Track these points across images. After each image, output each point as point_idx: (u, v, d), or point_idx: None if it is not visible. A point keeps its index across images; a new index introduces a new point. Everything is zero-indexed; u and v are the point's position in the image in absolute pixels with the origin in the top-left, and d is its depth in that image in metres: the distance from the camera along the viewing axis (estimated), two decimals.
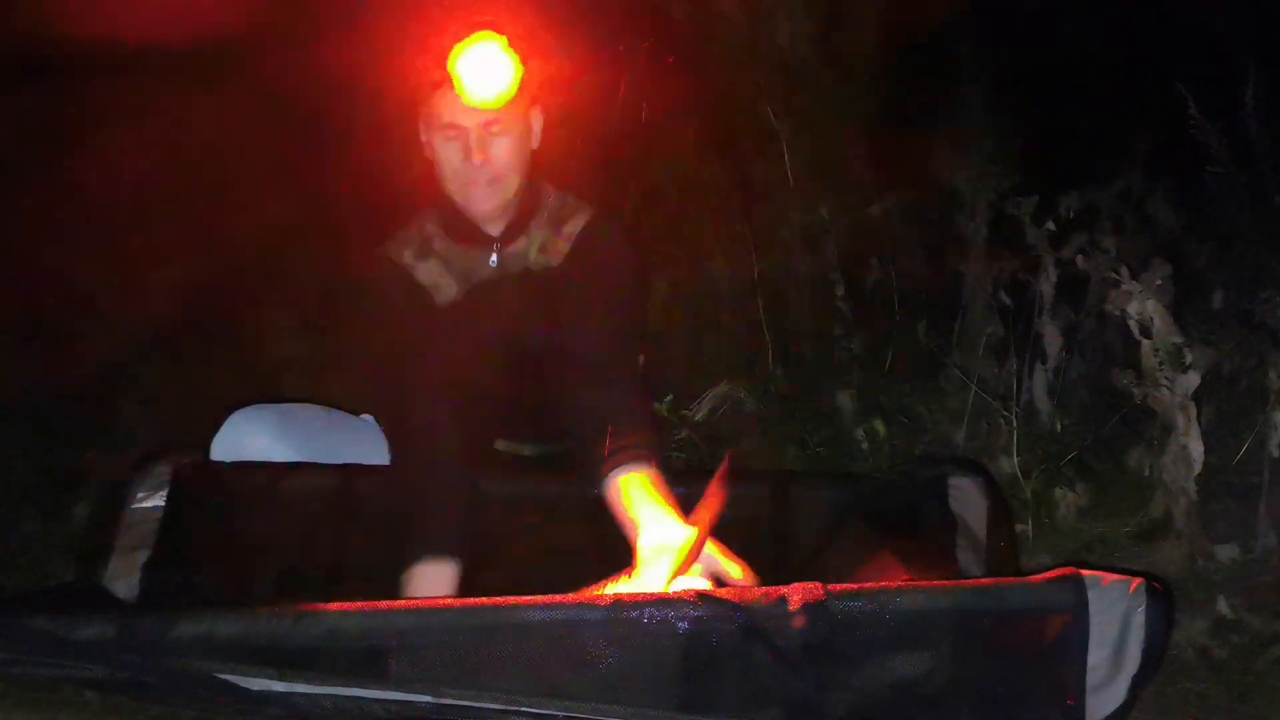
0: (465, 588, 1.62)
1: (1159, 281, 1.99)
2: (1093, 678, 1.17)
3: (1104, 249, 2.17)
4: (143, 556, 1.66)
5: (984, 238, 2.74)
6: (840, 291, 3.02)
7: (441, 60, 1.75)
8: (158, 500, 1.72)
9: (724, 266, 3.24)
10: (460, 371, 1.82)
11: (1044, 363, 2.50)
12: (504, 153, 1.84)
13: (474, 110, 1.78)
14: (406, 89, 1.87)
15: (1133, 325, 2.01)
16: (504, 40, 1.77)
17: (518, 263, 1.92)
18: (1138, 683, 1.16)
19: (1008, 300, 2.55)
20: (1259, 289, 2.39)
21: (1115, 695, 1.17)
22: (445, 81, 1.76)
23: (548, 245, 1.92)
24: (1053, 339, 2.47)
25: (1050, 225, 2.34)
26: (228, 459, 1.86)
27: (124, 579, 1.63)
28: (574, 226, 1.94)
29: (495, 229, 1.92)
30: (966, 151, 2.85)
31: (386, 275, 1.93)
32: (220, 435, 1.89)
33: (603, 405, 1.71)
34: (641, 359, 1.99)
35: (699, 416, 2.89)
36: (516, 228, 1.93)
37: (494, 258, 1.92)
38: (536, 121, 1.92)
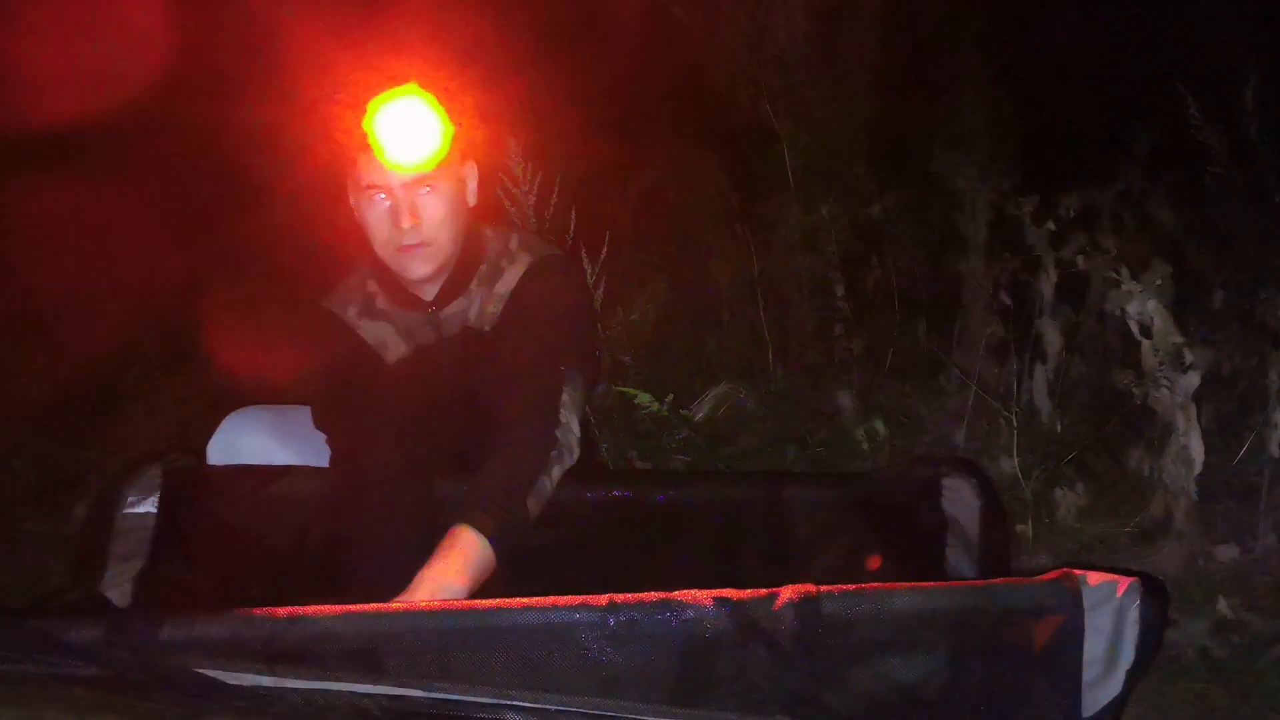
0: None
1: (1159, 281, 1.98)
2: (1088, 674, 1.17)
3: (1104, 249, 2.17)
4: (136, 564, 1.66)
5: (984, 238, 2.74)
6: (840, 291, 3.02)
7: (361, 119, 1.62)
8: (149, 506, 1.72)
9: (724, 266, 3.24)
10: (411, 424, 1.78)
11: (1044, 363, 2.49)
12: (435, 213, 1.71)
13: (399, 171, 1.66)
14: (328, 150, 1.72)
15: (1133, 325, 2.00)
16: (429, 96, 1.66)
17: (456, 323, 1.84)
18: (1132, 676, 1.17)
19: (1008, 300, 2.54)
20: (1259, 289, 2.39)
21: (1110, 689, 1.17)
22: (367, 142, 1.62)
23: (484, 306, 1.83)
24: (1053, 339, 2.47)
25: (1050, 225, 2.34)
26: (224, 460, 1.86)
27: (118, 586, 1.63)
28: (507, 284, 1.82)
29: (430, 293, 1.81)
30: (966, 151, 2.85)
31: (331, 332, 1.85)
32: (217, 437, 1.88)
33: (488, 465, 1.64)
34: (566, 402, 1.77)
35: (699, 416, 2.89)
36: (453, 290, 1.82)
37: (429, 323, 1.83)
38: (471, 177, 1.80)
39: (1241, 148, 2.68)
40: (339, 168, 1.73)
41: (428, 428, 1.82)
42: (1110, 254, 2.13)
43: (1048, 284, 2.41)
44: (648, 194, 3.54)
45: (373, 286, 1.87)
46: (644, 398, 2.50)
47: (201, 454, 1.88)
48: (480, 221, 1.88)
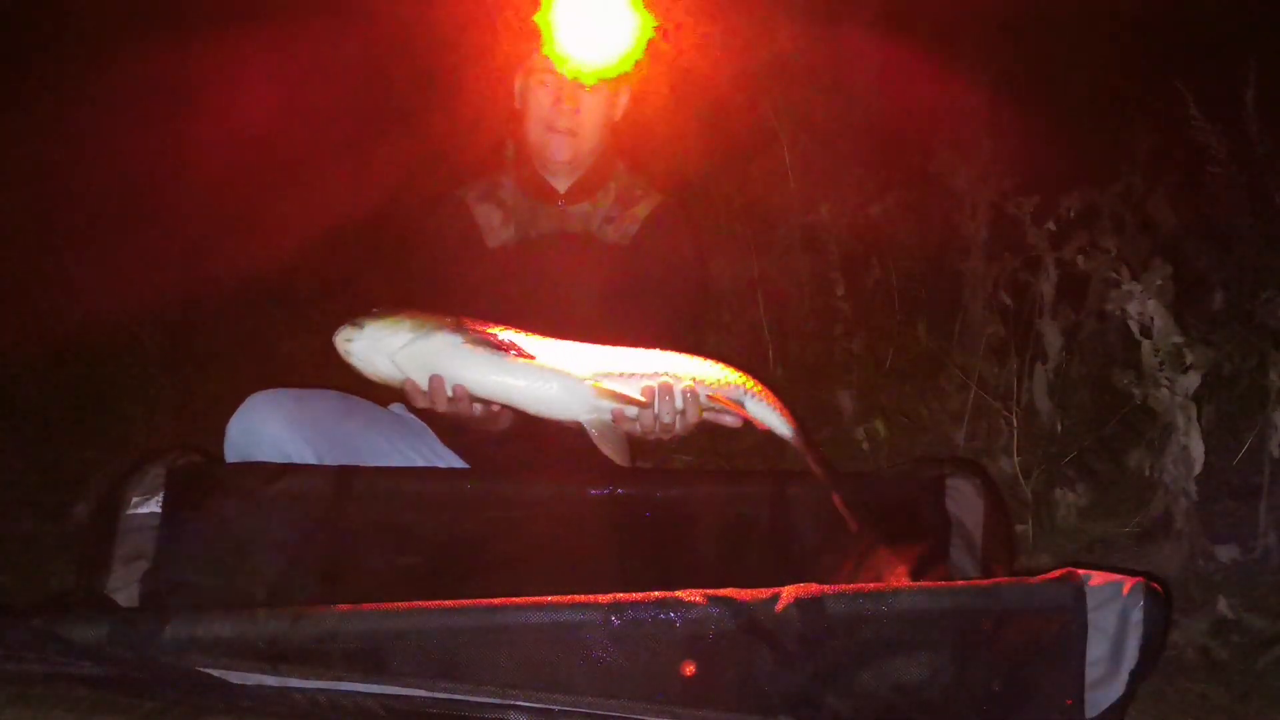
0: (468, 591, 1.61)
1: (1159, 281, 1.98)
2: (1091, 674, 1.17)
3: (1104, 249, 2.17)
4: (141, 564, 1.66)
5: (984, 238, 2.74)
6: (840, 291, 3.02)
7: (556, 10, 1.83)
8: (153, 506, 1.71)
9: (724, 266, 3.24)
10: (502, 315, 1.80)
11: (1044, 363, 2.49)
12: (591, 109, 1.95)
13: (574, 65, 1.87)
14: (516, 36, 1.94)
15: (1133, 325, 2.00)
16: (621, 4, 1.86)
17: (579, 224, 2.01)
18: (1136, 676, 1.16)
19: (1008, 300, 2.54)
20: (1259, 289, 2.39)
21: (1114, 689, 1.17)
22: (555, 32, 1.83)
23: (616, 221, 2.01)
24: (1053, 339, 2.47)
25: (1050, 225, 2.34)
26: (241, 442, 1.85)
27: (124, 588, 1.63)
28: (644, 209, 2.03)
29: (562, 186, 2.01)
30: (966, 151, 2.85)
31: (445, 209, 2.05)
32: (236, 418, 1.87)
33: None
34: None
35: None
36: (583, 191, 2.02)
37: (552, 215, 2.00)
38: (623, 97, 2.02)
39: (1241, 148, 2.68)
40: (515, 56, 1.96)
41: (517, 322, 1.84)
42: (1110, 254, 2.13)
43: (1048, 284, 2.41)
44: None
45: (502, 178, 2.06)
46: None
47: (205, 451, 1.87)
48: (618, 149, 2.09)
